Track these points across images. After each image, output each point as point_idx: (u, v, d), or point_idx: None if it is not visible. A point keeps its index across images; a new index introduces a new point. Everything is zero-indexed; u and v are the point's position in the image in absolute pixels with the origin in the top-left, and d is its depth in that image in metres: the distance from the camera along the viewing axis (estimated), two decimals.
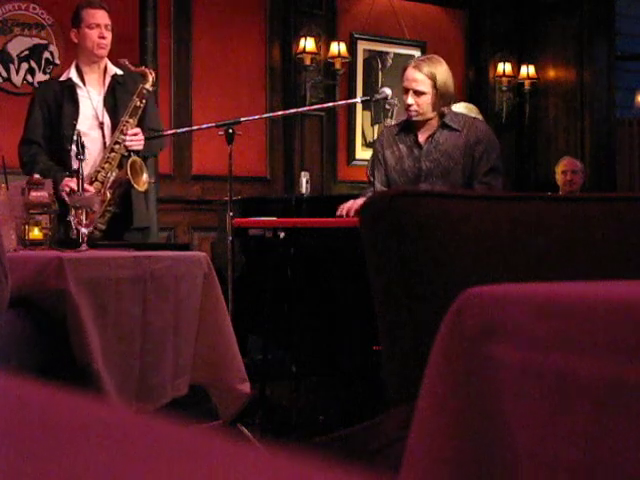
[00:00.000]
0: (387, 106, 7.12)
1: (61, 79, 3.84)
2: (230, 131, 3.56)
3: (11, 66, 5.82)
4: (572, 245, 1.30)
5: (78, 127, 3.64)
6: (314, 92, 6.74)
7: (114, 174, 3.66)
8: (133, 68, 3.83)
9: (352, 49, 7.03)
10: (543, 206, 1.33)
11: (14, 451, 0.35)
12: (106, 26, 3.76)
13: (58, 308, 2.40)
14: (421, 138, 3.65)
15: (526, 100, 7.75)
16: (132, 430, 0.39)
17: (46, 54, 5.92)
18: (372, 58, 7.20)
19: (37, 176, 3.04)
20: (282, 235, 3.49)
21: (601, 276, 1.18)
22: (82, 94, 3.77)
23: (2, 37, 5.79)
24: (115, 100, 3.78)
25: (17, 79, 5.83)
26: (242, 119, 3.67)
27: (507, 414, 0.79)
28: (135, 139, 3.68)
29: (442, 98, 3.57)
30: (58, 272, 2.40)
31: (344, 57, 6.85)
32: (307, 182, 5.34)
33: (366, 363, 3.58)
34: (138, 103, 3.72)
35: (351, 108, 7.02)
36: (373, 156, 3.82)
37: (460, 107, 4.39)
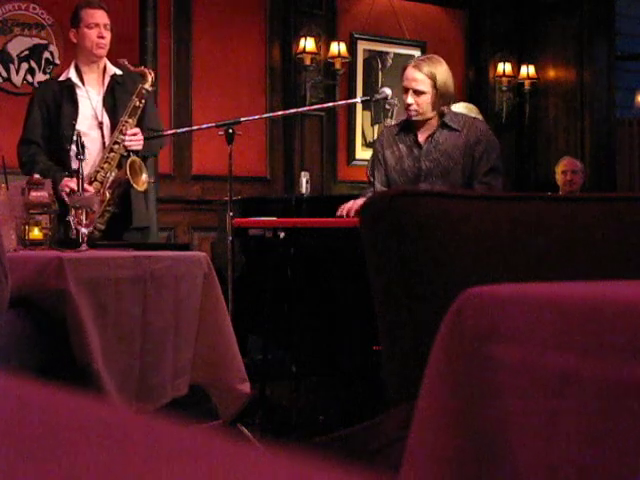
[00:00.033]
0: (387, 106, 7.11)
1: (60, 79, 3.84)
2: (230, 131, 3.56)
3: (11, 66, 5.82)
4: (572, 245, 1.30)
5: (77, 127, 3.64)
6: (314, 92, 6.74)
7: (113, 174, 3.66)
8: (132, 68, 3.83)
9: (352, 49, 7.03)
10: (543, 206, 1.33)
11: (14, 451, 0.35)
12: (105, 26, 3.76)
13: (58, 308, 2.40)
14: (421, 138, 3.65)
15: (526, 100, 7.75)
16: (132, 430, 0.39)
17: (46, 54, 5.92)
18: (372, 58, 7.20)
19: (37, 176, 3.04)
20: (282, 235, 3.49)
21: (601, 276, 1.18)
22: (81, 94, 3.77)
23: (2, 37, 5.79)
24: (114, 100, 3.78)
25: (17, 79, 5.83)
26: (242, 119, 3.67)
27: (507, 414, 0.79)
28: (134, 139, 3.68)
29: (442, 98, 3.57)
30: (58, 272, 2.40)
31: (344, 57, 6.85)
32: (307, 182, 5.34)
33: (366, 363, 3.58)
34: (137, 103, 3.72)
35: (351, 108, 7.02)
36: (373, 156, 3.82)
37: (460, 107, 4.39)
